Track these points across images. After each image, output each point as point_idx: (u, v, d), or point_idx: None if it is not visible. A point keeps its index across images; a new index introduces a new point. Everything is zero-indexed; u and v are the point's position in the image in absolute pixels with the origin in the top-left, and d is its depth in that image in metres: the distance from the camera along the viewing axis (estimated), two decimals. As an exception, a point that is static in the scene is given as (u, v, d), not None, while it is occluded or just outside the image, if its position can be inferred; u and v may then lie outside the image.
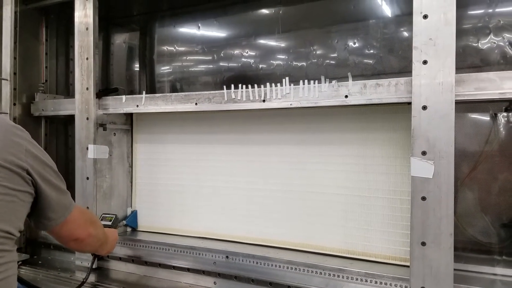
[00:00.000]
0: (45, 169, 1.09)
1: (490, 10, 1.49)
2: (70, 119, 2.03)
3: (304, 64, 1.86)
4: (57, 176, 1.15)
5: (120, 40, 2.44)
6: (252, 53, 2.00)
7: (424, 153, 1.20)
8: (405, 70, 1.55)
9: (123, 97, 1.85)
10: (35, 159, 1.06)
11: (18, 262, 1.94)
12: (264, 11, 1.99)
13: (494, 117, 1.51)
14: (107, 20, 2.38)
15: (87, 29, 1.86)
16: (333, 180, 1.59)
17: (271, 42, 1.96)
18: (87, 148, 1.86)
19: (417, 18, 1.22)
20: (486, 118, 1.51)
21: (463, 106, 1.51)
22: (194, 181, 1.90)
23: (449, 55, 1.18)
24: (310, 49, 1.85)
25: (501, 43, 1.47)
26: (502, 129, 1.50)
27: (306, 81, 1.45)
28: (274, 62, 1.94)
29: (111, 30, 2.43)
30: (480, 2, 1.51)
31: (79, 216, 1.25)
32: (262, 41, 1.99)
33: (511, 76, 1.16)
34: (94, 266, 1.81)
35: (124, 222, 1.98)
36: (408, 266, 1.27)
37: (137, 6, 2.32)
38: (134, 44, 2.40)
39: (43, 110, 2.12)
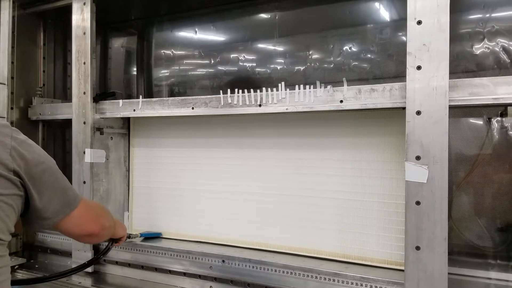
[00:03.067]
0: (36, 167, 1.01)
1: (484, 15, 1.51)
2: (68, 123, 2.03)
3: (301, 68, 1.87)
4: (53, 172, 1.07)
5: (117, 44, 2.45)
6: (249, 58, 2.01)
7: (418, 158, 1.21)
8: (402, 74, 1.56)
9: (120, 101, 1.85)
10: (22, 158, 0.98)
11: (15, 266, 1.96)
12: (261, 16, 2.00)
13: (490, 122, 1.52)
14: (105, 25, 2.39)
15: (84, 33, 1.87)
16: (328, 184, 1.59)
17: (269, 47, 1.97)
18: (84, 152, 1.87)
19: (411, 24, 1.23)
20: (482, 123, 1.52)
21: (459, 111, 1.53)
22: (191, 185, 1.91)
23: (442, 60, 1.19)
24: (307, 54, 1.86)
25: (495, 49, 1.49)
26: (497, 134, 1.51)
27: (301, 86, 1.46)
28: (271, 66, 1.95)
29: (109, 34, 2.44)
30: (474, 7, 1.52)
31: (87, 210, 1.18)
32: (259, 46, 2.00)
33: (505, 82, 1.17)
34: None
35: (139, 234, 1.92)
36: (402, 270, 1.28)
37: (134, 11, 2.33)
38: (131, 48, 2.41)
39: (40, 114, 2.13)
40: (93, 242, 1.51)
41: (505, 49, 1.47)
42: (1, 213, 0.94)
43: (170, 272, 1.74)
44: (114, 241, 1.56)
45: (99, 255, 1.57)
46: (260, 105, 1.54)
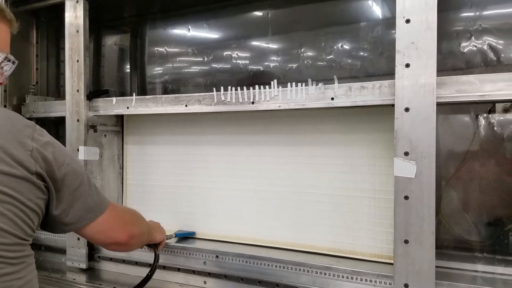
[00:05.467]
0: (59, 170, 0.97)
1: (471, 14, 1.54)
2: (61, 120, 2.04)
3: (294, 66, 1.89)
4: (78, 176, 1.02)
5: (111, 42, 2.45)
6: (243, 55, 2.02)
7: (406, 153, 1.24)
8: (393, 72, 1.59)
9: (114, 99, 1.86)
10: (45, 160, 0.94)
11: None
12: (254, 14, 2.02)
13: (478, 119, 1.55)
14: (98, 22, 2.39)
15: (77, 31, 1.88)
16: (321, 180, 1.62)
17: (262, 45, 1.98)
18: (78, 150, 1.87)
19: (399, 22, 1.25)
20: (471, 120, 1.55)
21: (449, 108, 1.56)
22: (185, 182, 1.92)
23: (430, 58, 1.22)
24: (300, 51, 1.88)
25: (482, 47, 1.52)
26: (486, 130, 1.54)
27: (293, 83, 1.48)
28: (265, 64, 1.97)
29: (102, 32, 2.44)
30: (461, 6, 1.55)
31: (115, 217, 1.13)
32: (252, 44, 2.02)
33: (491, 79, 1.20)
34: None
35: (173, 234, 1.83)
36: (392, 264, 1.30)
37: (127, 8, 2.33)
38: (125, 46, 2.42)
39: (33, 112, 2.13)
40: (123, 250, 1.37)
41: (491, 47, 1.51)
42: (25, 218, 0.92)
43: (165, 268, 1.76)
44: (155, 247, 1.49)
45: (152, 269, 1.46)
46: (253, 103, 1.56)
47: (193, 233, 1.88)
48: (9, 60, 1.14)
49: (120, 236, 1.14)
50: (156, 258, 1.48)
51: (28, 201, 0.92)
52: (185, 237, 1.85)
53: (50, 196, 0.98)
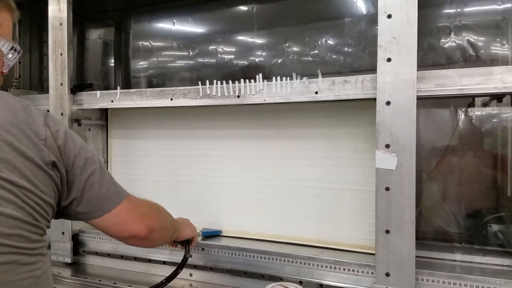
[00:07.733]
0: (71, 158, 0.95)
1: (451, 11, 1.58)
2: (45, 114, 2.01)
3: (279, 60, 1.91)
4: (90, 164, 0.98)
5: (95, 35, 2.43)
6: (228, 50, 2.03)
7: (387, 146, 1.27)
8: (375, 67, 1.61)
9: (98, 92, 1.85)
10: (58, 148, 0.92)
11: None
12: (239, 8, 2.03)
13: (458, 113, 1.59)
14: (82, 16, 2.36)
15: (61, 24, 1.85)
16: (305, 173, 1.64)
17: (247, 39, 1.99)
18: (62, 144, 1.86)
19: (381, 18, 1.28)
20: (452, 114, 1.60)
21: (430, 102, 1.59)
22: (171, 176, 1.93)
23: (411, 53, 1.25)
24: (285, 46, 1.90)
25: (462, 42, 1.56)
26: (466, 124, 1.58)
27: (278, 77, 1.49)
28: (250, 58, 1.98)
29: (86, 25, 2.42)
30: (441, 3, 1.59)
31: (131, 209, 1.07)
32: (238, 38, 2.03)
33: (468, 73, 1.23)
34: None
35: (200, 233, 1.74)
36: (374, 254, 1.34)
37: (112, 2, 2.32)
38: (109, 39, 2.40)
39: (16, 105, 2.10)
40: (145, 246, 1.25)
41: (470, 43, 1.55)
42: (41, 210, 0.90)
43: (150, 261, 1.76)
44: (187, 245, 1.44)
45: (178, 268, 1.42)
46: (238, 96, 1.57)
47: (220, 231, 1.81)
48: (15, 50, 1.11)
49: (137, 229, 1.08)
50: (185, 258, 1.42)
51: (43, 194, 0.90)
52: (212, 235, 1.78)
53: (62, 185, 0.95)
